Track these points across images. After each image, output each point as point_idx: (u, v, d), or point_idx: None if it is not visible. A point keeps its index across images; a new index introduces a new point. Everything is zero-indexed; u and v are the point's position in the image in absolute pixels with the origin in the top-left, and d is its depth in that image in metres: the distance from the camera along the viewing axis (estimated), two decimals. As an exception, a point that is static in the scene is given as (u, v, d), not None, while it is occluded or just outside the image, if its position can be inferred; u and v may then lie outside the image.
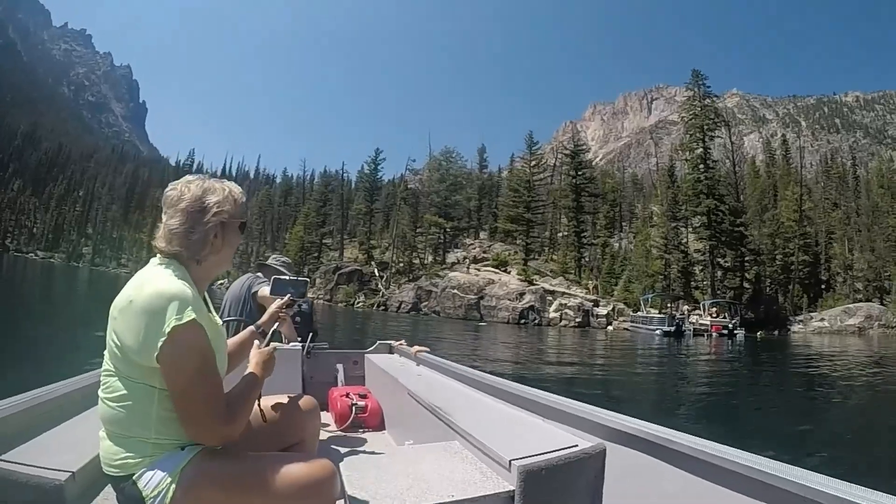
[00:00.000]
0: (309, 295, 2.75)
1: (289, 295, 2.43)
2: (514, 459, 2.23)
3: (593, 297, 54.35)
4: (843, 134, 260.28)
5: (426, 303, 56.67)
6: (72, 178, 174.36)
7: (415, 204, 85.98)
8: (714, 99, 65.52)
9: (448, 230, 74.68)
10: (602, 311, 51.56)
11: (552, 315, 50.63)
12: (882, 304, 56.01)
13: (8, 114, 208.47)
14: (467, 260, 65.06)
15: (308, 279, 2.72)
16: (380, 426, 4.53)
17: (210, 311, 1.97)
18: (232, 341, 2.29)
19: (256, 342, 2.28)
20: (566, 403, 2.76)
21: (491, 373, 4.10)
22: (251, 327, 2.40)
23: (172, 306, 1.66)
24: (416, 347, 5.24)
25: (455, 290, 55.00)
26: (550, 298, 52.41)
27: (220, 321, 2.04)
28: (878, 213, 69.72)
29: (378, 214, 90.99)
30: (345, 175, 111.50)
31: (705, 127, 60.82)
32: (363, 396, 4.64)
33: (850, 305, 54.51)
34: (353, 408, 4.42)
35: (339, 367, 5.41)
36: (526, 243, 65.16)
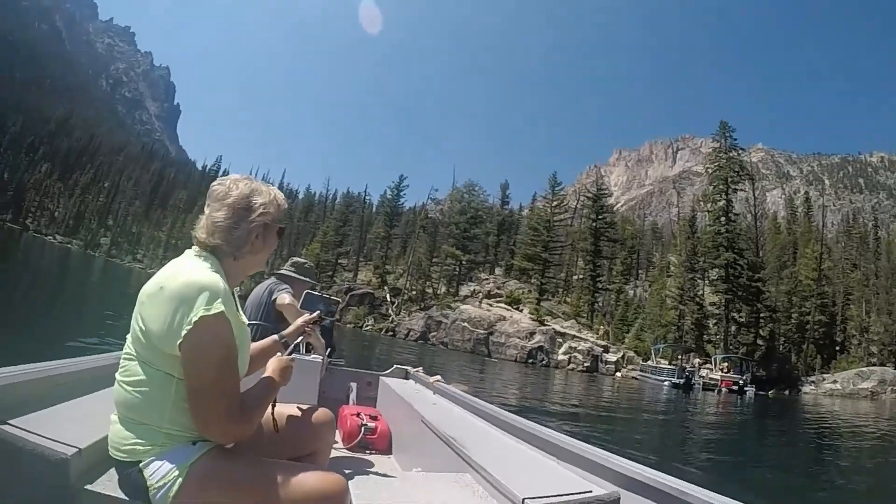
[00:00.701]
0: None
1: (318, 311, 2.43)
2: (527, 498, 2.14)
3: (604, 343, 53.89)
4: (867, 194, 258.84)
5: (435, 333, 56.43)
6: (99, 168, 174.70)
7: (433, 233, 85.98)
8: (740, 152, 65.24)
9: (464, 262, 74.43)
10: (612, 357, 51.06)
11: (560, 357, 50.23)
12: (896, 368, 55.26)
13: (45, 99, 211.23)
14: (480, 294, 64.85)
15: (339, 300, 2.75)
16: (387, 449, 4.46)
17: (238, 309, 1.97)
18: (254, 346, 2.31)
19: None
20: (582, 447, 2.71)
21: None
22: (275, 336, 2.41)
23: (203, 296, 1.68)
24: (435, 377, 5.23)
25: (465, 324, 54.81)
26: (560, 340, 52.08)
27: (245, 320, 2.06)
28: (898, 276, 69.13)
29: (396, 240, 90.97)
30: (367, 198, 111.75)
31: (729, 179, 60.51)
32: (374, 418, 4.58)
33: (864, 369, 53.74)
34: (363, 428, 4.35)
35: (353, 385, 5.37)
36: (540, 283, 64.96)
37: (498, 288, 68.12)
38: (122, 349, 1.86)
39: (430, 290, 72.07)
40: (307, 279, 4.89)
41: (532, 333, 52.32)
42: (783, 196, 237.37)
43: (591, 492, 2.29)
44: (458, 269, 75.49)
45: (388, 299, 67.54)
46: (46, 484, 1.78)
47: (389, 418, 4.69)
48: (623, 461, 2.43)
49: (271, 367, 2.11)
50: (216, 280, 1.74)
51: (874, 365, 56.53)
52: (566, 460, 2.75)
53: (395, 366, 5.71)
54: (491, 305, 59.88)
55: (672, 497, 2.08)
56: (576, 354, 50.13)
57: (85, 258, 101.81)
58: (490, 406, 3.97)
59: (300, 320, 2.41)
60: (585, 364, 48.99)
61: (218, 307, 1.68)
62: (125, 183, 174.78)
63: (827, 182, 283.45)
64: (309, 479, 1.77)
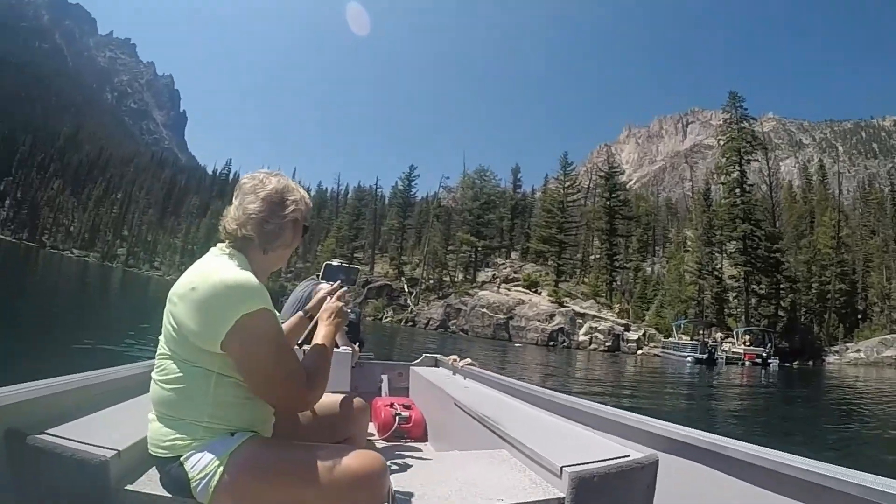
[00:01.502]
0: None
1: (339, 281, 2.42)
2: (565, 466, 2.19)
3: (624, 322, 53.80)
4: (881, 159, 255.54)
5: (454, 321, 56.56)
6: (111, 180, 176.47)
7: (447, 221, 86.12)
8: (751, 122, 64.75)
9: (479, 249, 74.38)
10: (633, 335, 51.05)
11: (582, 338, 50.30)
12: (920, 334, 54.75)
13: (52, 116, 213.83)
14: (498, 279, 64.83)
15: (360, 267, 2.75)
16: (423, 437, 4.51)
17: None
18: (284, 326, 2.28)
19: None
20: (617, 413, 2.76)
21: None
22: (300, 312, 2.43)
23: (241, 295, 1.69)
24: (465, 360, 5.28)
25: (484, 310, 54.86)
26: (580, 321, 52.10)
27: (277, 314, 1.99)
28: (918, 240, 68.40)
29: (410, 230, 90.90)
30: (378, 190, 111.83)
31: (742, 150, 60.22)
32: (407, 407, 4.64)
33: (888, 336, 53.29)
34: (397, 418, 4.41)
35: (384, 377, 5.43)
36: (557, 264, 65.05)
37: (515, 272, 68.16)
38: (152, 356, 1.91)
39: (447, 279, 72.17)
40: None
41: (552, 316, 52.32)
42: (797, 165, 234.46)
43: (628, 456, 2.32)
44: (474, 256, 75.37)
45: (406, 290, 67.79)
46: (88, 487, 1.84)
47: (423, 406, 4.74)
48: (659, 423, 2.47)
49: (325, 314, 2.16)
50: (248, 277, 1.76)
51: (897, 332, 56.06)
52: (602, 428, 2.80)
53: (424, 355, 5.77)
54: (509, 290, 59.91)
55: (710, 453, 2.13)
56: (597, 334, 50.13)
57: (103, 270, 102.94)
58: (522, 383, 4.00)
59: (322, 291, 2.40)
60: (607, 343, 49.02)
61: (257, 304, 1.71)
62: (137, 193, 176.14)
63: (840, 149, 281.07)
64: (347, 459, 1.78)
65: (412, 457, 2.84)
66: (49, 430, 1.95)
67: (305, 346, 2.21)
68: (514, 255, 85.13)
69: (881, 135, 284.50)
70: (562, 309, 53.37)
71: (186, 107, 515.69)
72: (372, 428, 4.48)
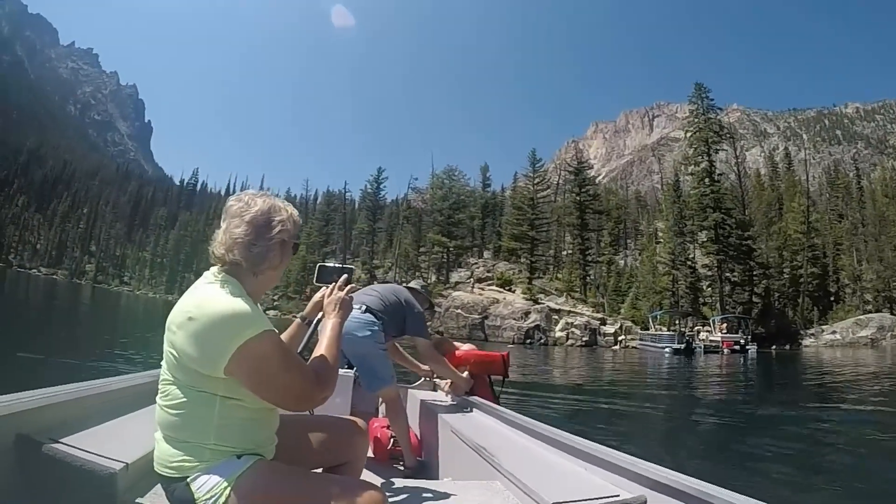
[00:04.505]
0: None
1: (334, 283, 2.34)
2: (557, 503, 2.16)
3: (600, 316, 53.81)
4: (845, 145, 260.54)
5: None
6: (76, 195, 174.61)
7: (417, 223, 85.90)
8: (717, 112, 65.46)
9: (451, 249, 73.90)
10: (609, 329, 51.02)
11: (558, 334, 50.09)
12: (892, 313, 55.52)
13: (14, 130, 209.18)
14: (471, 279, 64.43)
15: (353, 267, 2.62)
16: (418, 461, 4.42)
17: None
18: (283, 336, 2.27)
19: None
20: (608, 452, 2.66)
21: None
22: (297, 320, 2.44)
23: (238, 324, 1.70)
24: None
25: (459, 310, 54.41)
26: (556, 317, 51.90)
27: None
28: (885, 222, 69.49)
29: (381, 234, 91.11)
30: (348, 194, 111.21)
31: (710, 140, 60.83)
32: None
33: (862, 317, 54.11)
34: (392, 440, 4.40)
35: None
36: (530, 262, 64.91)
37: (488, 271, 67.75)
38: (136, 369, 1.97)
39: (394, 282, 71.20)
40: (427, 298, 5.10)
41: (527, 313, 52.03)
42: (762, 154, 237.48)
43: (618, 496, 2.30)
44: (446, 257, 74.98)
45: (379, 294, 67.01)
46: (96, 498, 1.88)
47: (419, 430, 4.77)
48: (648, 465, 2.40)
49: (329, 307, 2.20)
50: (242, 304, 1.75)
51: (870, 312, 56.87)
52: (593, 465, 2.73)
53: (422, 378, 5.70)
54: (483, 289, 59.51)
55: (697, 499, 2.06)
56: (573, 330, 49.92)
57: (72, 287, 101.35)
58: (518, 415, 3.88)
59: (317, 294, 2.37)
60: (584, 338, 48.83)
61: (255, 328, 1.72)
62: (104, 207, 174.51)
63: (805, 137, 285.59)
64: (350, 492, 1.80)
65: (407, 483, 2.88)
66: (60, 439, 1.99)
67: (306, 354, 2.28)
68: (486, 254, 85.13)
69: (844, 122, 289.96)
70: (537, 306, 53.07)
71: (151, 116, 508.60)
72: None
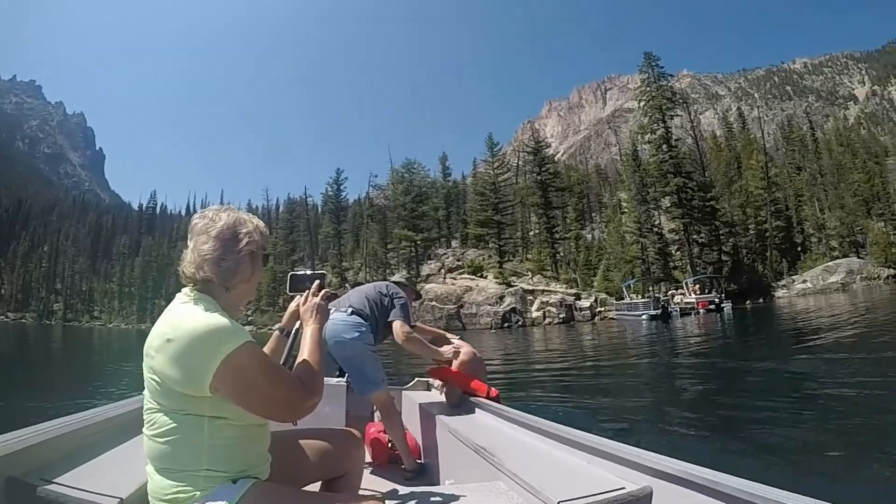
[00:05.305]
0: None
1: (307, 290, 2.31)
2: (562, 501, 2.12)
3: (574, 291, 53.93)
4: (796, 100, 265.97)
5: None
6: (35, 233, 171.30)
7: (382, 220, 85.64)
8: (668, 79, 65.97)
9: (419, 242, 73.62)
10: (585, 303, 51.05)
11: (535, 314, 49.98)
12: (859, 257, 56.59)
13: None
14: (442, 270, 64.14)
15: (325, 271, 2.52)
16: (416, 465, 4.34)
17: None
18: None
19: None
20: (611, 444, 2.57)
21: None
22: (276, 332, 2.41)
23: (217, 338, 1.68)
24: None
25: (433, 302, 54.01)
26: (531, 298, 51.79)
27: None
28: (842, 170, 71.16)
29: (347, 235, 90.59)
30: (309, 199, 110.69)
31: (664, 107, 61.32)
32: None
33: (830, 263, 55.37)
34: (391, 444, 4.29)
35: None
36: (499, 246, 64.75)
37: (458, 260, 67.50)
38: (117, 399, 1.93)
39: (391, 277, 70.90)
40: (412, 289, 5.06)
41: (501, 297, 51.83)
42: (716, 116, 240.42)
43: (623, 488, 2.26)
44: (414, 251, 74.62)
45: (351, 295, 66.57)
46: None
47: (415, 432, 4.65)
48: (653, 455, 2.34)
49: (306, 314, 2.18)
50: (219, 318, 1.73)
51: (837, 258, 57.98)
52: (596, 458, 2.66)
53: (416, 379, 5.62)
54: (455, 279, 59.19)
55: (705, 487, 2.03)
56: (549, 308, 49.86)
57: (42, 329, 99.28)
58: (517, 412, 3.74)
59: (293, 304, 2.35)
60: (561, 315, 48.78)
61: (235, 342, 1.70)
62: (64, 241, 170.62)
63: (756, 95, 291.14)
64: None
65: (408, 489, 2.86)
66: (54, 479, 1.94)
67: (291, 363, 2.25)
68: (454, 243, 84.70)
69: (793, 77, 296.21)
70: (510, 289, 52.90)
71: (102, 143, 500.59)
72: (365, 455, 4.14)
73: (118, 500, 1.84)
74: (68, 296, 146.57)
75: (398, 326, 4.35)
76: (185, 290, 1.85)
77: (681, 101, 68.22)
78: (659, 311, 40.59)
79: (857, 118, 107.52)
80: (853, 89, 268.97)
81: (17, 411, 10.98)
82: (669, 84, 65.74)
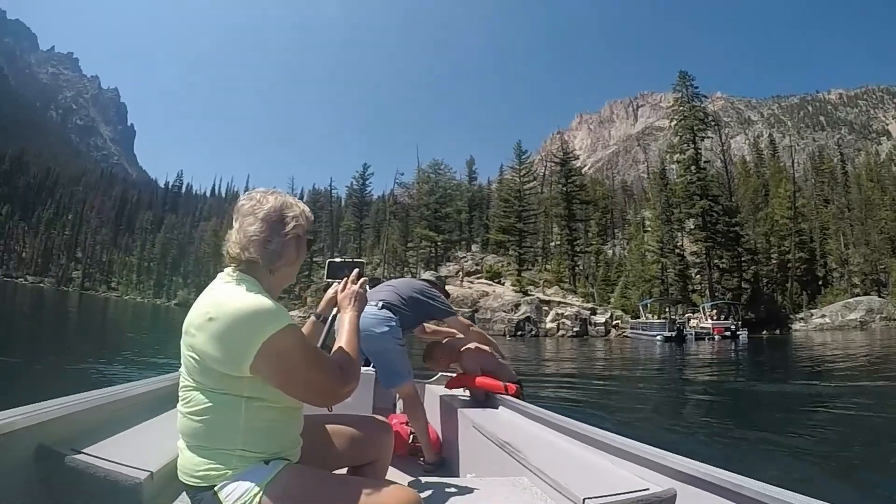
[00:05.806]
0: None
1: (346, 278, 2.33)
2: (588, 499, 2.14)
3: (590, 306, 53.72)
4: (829, 131, 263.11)
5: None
6: (60, 201, 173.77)
7: (405, 218, 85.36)
8: (702, 100, 65.49)
9: (439, 243, 73.82)
10: (600, 318, 50.84)
11: (549, 325, 49.87)
12: (880, 296, 55.89)
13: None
14: (460, 273, 64.07)
15: (363, 260, 2.59)
16: (438, 457, 4.40)
17: None
18: None
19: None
20: (636, 445, 2.60)
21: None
22: (312, 318, 2.40)
23: (261, 320, 1.68)
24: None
25: (449, 304, 54.07)
26: (546, 308, 51.67)
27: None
28: (871, 206, 70.23)
29: (368, 230, 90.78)
30: (333, 192, 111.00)
31: (695, 128, 60.79)
32: None
33: (851, 300, 54.57)
34: (412, 436, 4.40)
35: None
36: (519, 254, 64.70)
37: (476, 264, 67.42)
38: (136, 376, 1.95)
39: (408, 276, 70.82)
40: (442, 287, 5.00)
41: (517, 305, 51.74)
42: (747, 141, 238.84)
43: (647, 489, 2.28)
44: (434, 251, 74.82)
45: (368, 291, 66.60)
46: None
47: (437, 425, 4.70)
48: (677, 457, 2.37)
49: (344, 301, 2.19)
50: (263, 300, 1.74)
51: (858, 295, 57.29)
52: (620, 458, 2.70)
53: (440, 373, 5.57)
54: (472, 283, 59.22)
55: (728, 491, 2.04)
56: (564, 320, 49.72)
57: (59, 295, 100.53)
58: (539, 409, 3.80)
59: (330, 291, 2.34)
60: (575, 329, 48.62)
61: (278, 324, 1.70)
62: (88, 212, 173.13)
63: (789, 123, 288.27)
64: (385, 495, 1.80)
65: (431, 480, 2.78)
66: (83, 449, 1.98)
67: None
68: (474, 247, 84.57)
69: (827, 108, 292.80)
70: (526, 298, 52.80)
71: (134, 119, 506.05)
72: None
73: (148, 472, 1.91)
74: (88, 265, 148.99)
75: (455, 322, 4.56)
76: (228, 269, 1.89)
77: (713, 123, 67.69)
78: (674, 334, 40.36)
79: (889, 154, 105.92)
80: (887, 124, 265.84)
81: (52, 378, 11.12)
82: (703, 105, 65.17)
